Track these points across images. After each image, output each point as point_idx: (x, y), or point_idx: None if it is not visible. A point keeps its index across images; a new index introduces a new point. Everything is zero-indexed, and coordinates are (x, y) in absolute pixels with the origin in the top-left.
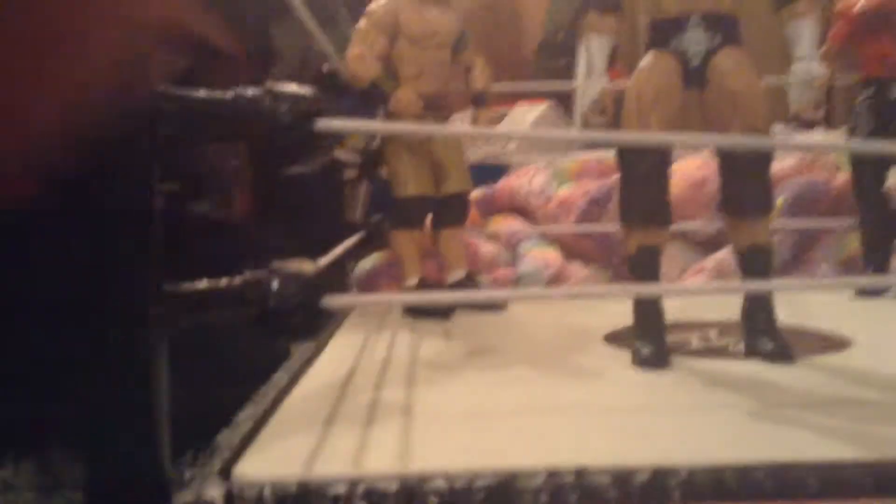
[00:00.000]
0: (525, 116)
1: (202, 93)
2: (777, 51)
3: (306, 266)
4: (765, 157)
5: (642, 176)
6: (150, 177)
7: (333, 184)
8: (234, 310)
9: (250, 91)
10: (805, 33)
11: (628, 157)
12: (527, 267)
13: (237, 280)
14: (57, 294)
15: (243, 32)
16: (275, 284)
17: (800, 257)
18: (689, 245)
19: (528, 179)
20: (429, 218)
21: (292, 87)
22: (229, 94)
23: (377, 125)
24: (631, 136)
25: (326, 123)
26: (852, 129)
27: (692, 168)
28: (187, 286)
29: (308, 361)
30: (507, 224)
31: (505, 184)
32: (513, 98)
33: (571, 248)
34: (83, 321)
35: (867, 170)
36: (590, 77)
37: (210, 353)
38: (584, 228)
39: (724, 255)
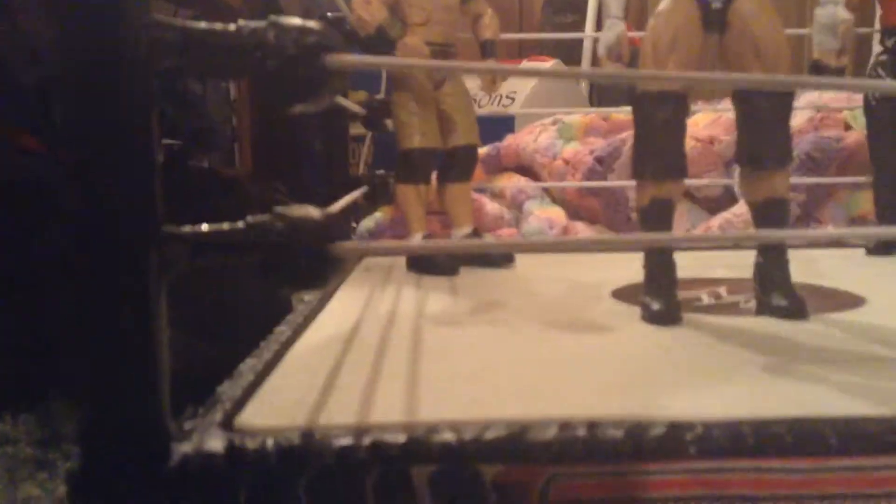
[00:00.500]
0: None
1: (203, 24)
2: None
3: (312, 211)
4: (785, 107)
5: (658, 126)
6: (147, 111)
7: (338, 134)
8: (237, 254)
9: (254, 23)
10: None
11: (644, 107)
12: (531, 227)
13: (240, 224)
14: (51, 239)
15: None
16: (279, 229)
17: (810, 215)
18: (696, 204)
19: (533, 137)
20: (435, 174)
21: (298, 20)
22: (231, 26)
23: (390, 60)
24: (646, 73)
25: (336, 59)
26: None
27: (700, 126)
28: (188, 229)
29: (312, 314)
30: (513, 182)
31: (511, 141)
32: (518, 56)
33: (577, 208)
34: (79, 267)
35: (884, 127)
36: (606, 20)
37: (213, 305)
38: (593, 184)
39: (731, 214)
